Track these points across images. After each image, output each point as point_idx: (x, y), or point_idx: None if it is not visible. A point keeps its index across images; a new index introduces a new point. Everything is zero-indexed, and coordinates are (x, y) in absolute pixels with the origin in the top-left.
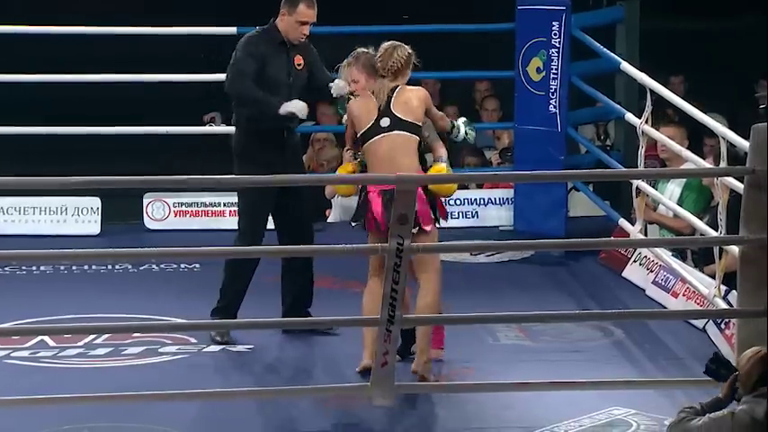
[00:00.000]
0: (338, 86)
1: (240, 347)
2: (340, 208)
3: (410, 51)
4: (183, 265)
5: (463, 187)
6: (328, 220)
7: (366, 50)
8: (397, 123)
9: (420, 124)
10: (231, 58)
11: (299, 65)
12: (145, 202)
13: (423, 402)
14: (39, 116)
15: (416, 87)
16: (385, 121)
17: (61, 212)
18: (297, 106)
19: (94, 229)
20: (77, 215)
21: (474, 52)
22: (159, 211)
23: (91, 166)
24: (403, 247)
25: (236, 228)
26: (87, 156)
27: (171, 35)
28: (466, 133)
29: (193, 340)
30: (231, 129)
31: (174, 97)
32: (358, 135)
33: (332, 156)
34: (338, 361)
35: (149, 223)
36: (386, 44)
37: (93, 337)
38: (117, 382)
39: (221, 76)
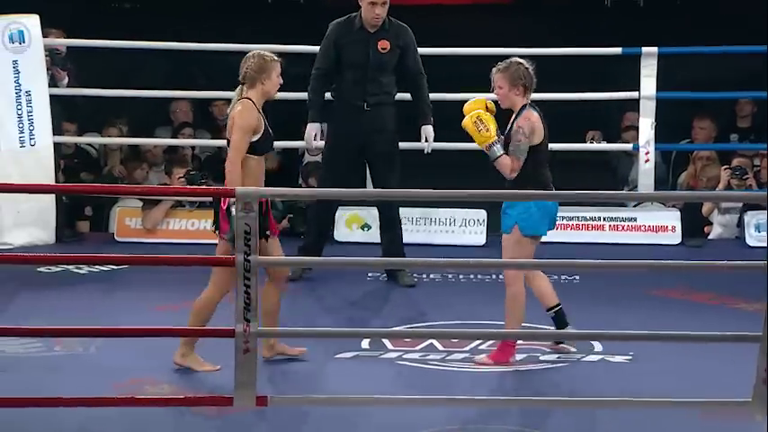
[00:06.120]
0: None
1: (619, 358)
2: (720, 227)
3: (266, 58)
4: (563, 277)
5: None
6: (708, 237)
7: (521, 62)
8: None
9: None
10: None
11: (383, 48)
12: None
13: None
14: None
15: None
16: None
17: (450, 223)
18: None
19: (480, 239)
20: (465, 226)
21: None
22: None
23: (480, 180)
24: None
25: None
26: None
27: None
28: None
29: (573, 349)
30: (609, 146)
31: (560, 112)
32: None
33: (713, 175)
34: (709, 375)
35: None
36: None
37: (477, 342)
38: (500, 386)
39: (605, 95)
